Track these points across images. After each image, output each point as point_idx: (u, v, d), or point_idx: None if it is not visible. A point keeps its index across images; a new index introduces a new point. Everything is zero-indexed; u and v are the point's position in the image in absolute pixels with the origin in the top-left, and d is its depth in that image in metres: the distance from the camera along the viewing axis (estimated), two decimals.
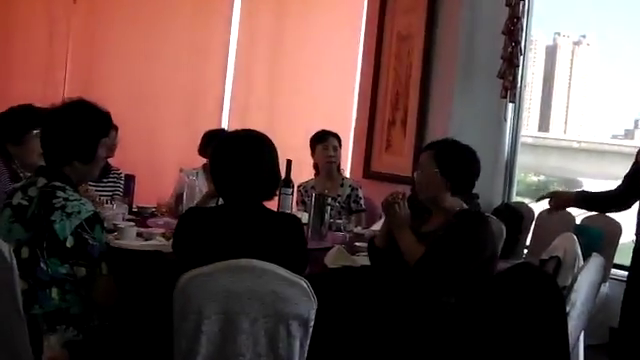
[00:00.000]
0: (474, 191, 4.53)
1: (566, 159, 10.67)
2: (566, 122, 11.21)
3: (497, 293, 2.98)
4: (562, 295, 3.15)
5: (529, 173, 10.82)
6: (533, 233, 5.71)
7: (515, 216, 5.65)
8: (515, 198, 6.63)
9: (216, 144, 3.03)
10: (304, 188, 5.28)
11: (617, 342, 3.85)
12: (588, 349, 4.86)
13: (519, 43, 5.83)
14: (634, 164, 3.76)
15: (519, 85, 5.97)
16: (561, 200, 4.06)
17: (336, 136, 5.29)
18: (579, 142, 10.89)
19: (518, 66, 5.81)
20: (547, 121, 11.17)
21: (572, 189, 11.05)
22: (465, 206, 3.33)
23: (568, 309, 3.44)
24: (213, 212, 3.08)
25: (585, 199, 4.05)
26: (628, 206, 3.77)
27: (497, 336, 2.91)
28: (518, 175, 10.01)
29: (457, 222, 3.23)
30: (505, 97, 5.76)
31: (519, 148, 6.30)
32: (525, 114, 11.20)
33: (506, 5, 5.81)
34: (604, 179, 11.06)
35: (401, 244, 3.27)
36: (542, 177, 11.17)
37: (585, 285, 3.55)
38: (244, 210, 2.89)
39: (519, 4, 5.84)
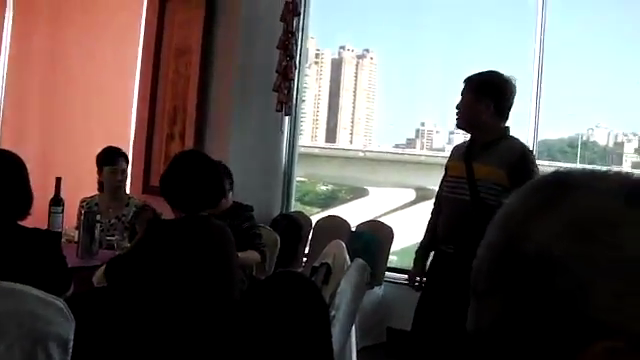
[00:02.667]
0: (248, 203, 4.61)
1: (353, 168, 11.05)
2: (352, 132, 11.58)
3: (257, 301, 3.02)
4: (323, 299, 3.25)
5: (318, 183, 11.13)
6: (311, 241, 5.87)
7: (294, 225, 5.78)
8: (301, 208, 6.79)
9: None
10: (87, 204, 5.11)
11: (410, 344, 3.98)
12: (365, 350, 5.06)
13: (294, 57, 5.98)
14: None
15: (294, 98, 6.11)
16: (416, 271, 4.09)
17: (124, 156, 5.14)
18: (364, 152, 11.31)
19: (293, 80, 5.95)
20: (334, 132, 11.50)
21: (359, 197, 11.51)
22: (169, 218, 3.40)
23: (333, 312, 3.56)
24: None
25: (428, 246, 4.04)
26: None
27: (259, 343, 2.95)
28: (308, 186, 10.25)
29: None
30: (280, 110, 5.88)
31: (296, 159, 6.44)
32: (313, 126, 11.53)
33: (281, 20, 5.94)
34: (389, 187, 11.60)
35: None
36: (330, 187, 11.52)
37: (349, 288, 3.68)
38: None
39: (293, 20, 5.98)
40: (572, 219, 0.72)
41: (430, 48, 10.36)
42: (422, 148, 10.89)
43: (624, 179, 0.75)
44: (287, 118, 6.19)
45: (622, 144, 16.61)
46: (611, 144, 16.62)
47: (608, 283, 0.68)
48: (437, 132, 10.91)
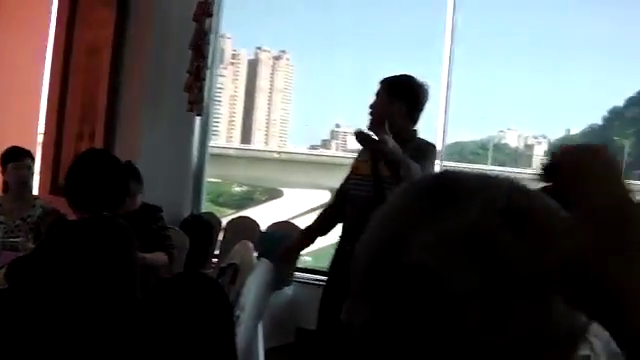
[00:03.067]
0: (158, 204, 4.60)
1: (268, 169, 11.09)
2: (267, 134, 11.62)
3: (159, 301, 3.02)
4: (227, 299, 3.26)
5: (232, 184, 11.13)
6: (221, 242, 5.86)
7: (203, 226, 5.76)
8: (216, 209, 6.77)
9: None
10: None
11: (314, 343, 4.03)
12: (274, 350, 5.09)
13: (206, 57, 5.97)
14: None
15: (206, 98, 6.11)
16: (290, 252, 4.15)
17: (29, 154, 5.07)
18: (279, 153, 11.36)
19: (204, 80, 5.95)
20: (249, 133, 11.52)
21: (274, 198, 11.56)
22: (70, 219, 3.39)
23: (238, 312, 3.59)
24: None
25: (310, 234, 4.12)
26: None
27: (161, 343, 2.95)
28: (223, 187, 10.24)
29: None
30: (191, 110, 5.87)
31: (207, 159, 6.41)
32: (228, 127, 11.52)
33: (193, 20, 5.93)
34: (304, 188, 11.67)
35: None
36: (245, 188, 11.53)
37: (254, 288, 3.72)
38: None
39: (206, 20, 5.98)
40: (450, 233, 0.70)
41: (345, 50, 10.48)
42: (337, 149, 11.02)
43: (508, 190, 0.74)
44: (198, 118, 6.18)
45: (532, 146, 17.09)
46: (522, 146, 17.09)
47: (479, 302, 0.68)
48: (352, 133, 11.06)
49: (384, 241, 0.74)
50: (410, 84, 3.81)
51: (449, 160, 7.15)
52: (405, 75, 3.86)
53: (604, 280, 0.67)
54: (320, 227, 4.07)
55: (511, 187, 0.75)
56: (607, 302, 0.67)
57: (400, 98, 3.75)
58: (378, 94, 3.83)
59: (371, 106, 3.82)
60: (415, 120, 3.83)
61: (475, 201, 0.72)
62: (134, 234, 3.30)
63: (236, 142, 11.19)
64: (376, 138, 3.51)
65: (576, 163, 0.71)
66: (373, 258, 0.75)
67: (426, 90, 3.84)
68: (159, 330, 2.96)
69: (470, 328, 0.68)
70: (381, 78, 3.90)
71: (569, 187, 0.70)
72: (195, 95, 5.84)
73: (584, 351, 1.62)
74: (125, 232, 3.26)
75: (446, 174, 0.78)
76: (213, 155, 6.61)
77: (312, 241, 4.13)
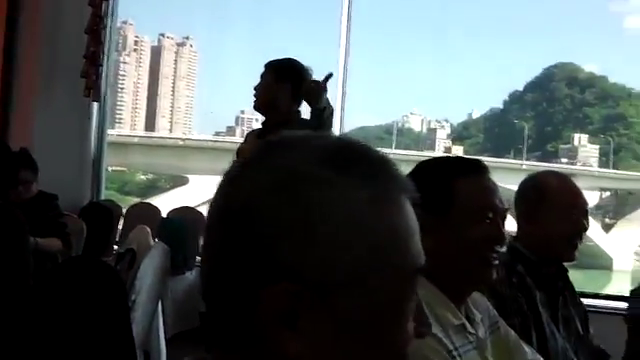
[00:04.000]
0: (55, 192, 4.53)
1: (174, 157, 11.00)
2: (172, 121, 11.53)
3: (50, 287, 2.99)
4: (121, 283, 3.24)
5: (137, 172, 10.99)
6: (122, 229, 5.82)
7: (103, 214, 5.69)
8: (121, 198, 6.70)
9: None
10: None
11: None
12: (180, 335, 5.08)
13: (102, 42, 5.88)
14: None
15: (104, 84, 6.02)
16: None
17: None
18: (184, 140, 11.28)
19: (102, 65, 5.86)
20: (154, 120, 11.40)
21: (179, 185, 11.47)
22: None
23: (134, 297, 3.57)
24: None
25: None
26: None
27: (52, 329, 2.92)
28: (128, 175, 10.12)
29: None
30: (88, 96, 5.77)
31: (106, 146, 6.32)
32: (132, 114, 11.38)
33: (89, 4, 5.82)
34: (211, 174, 11.60)
35: None
36: (150, 176, 11.41)
37: (149, 271, 3.71)
38: None
39: (102, 4, 5.89)
40: (271, 176, 0.78)
41: (248, 37, 10.48)
42: (242, 136, 11.01)
43: (324, 143, 0.82)
44: (96, 105, 6.08)
45: (435, 130, 17.56)
46: (425, 130, 17.50)
47: (291, 236, 0.76)
48: (257, 120, 11.05)
49: (222, 194, 0.82)
50: (295, 67, 3.92)
51: None
52: (289, 58, 3.97)
53: None
54: None
55: (329, 139, 0.85)
56: None
57: (285, 80, 3.84)
58: (263, 77, 3.90)
59: (256, 88, 3.89)
60: (299, 102, 3.92)
61: (292, 151, 0.81)
62: (25, 221, 3.24)
63: (140, 130, 11.06)
64: None
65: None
66: (215, 210, 0.83)
67: (309, 73, 3.94)
68: (51, 316, 2.93)
69: (287, 258, 0.76)
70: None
71: None
72: (92, 81, 5.75)
73: (459, 320, 1.70)
74: (15, 219, 3.20)
75: (281, 135, 0.86)
76: (117, 144, 6.54)
77: None
